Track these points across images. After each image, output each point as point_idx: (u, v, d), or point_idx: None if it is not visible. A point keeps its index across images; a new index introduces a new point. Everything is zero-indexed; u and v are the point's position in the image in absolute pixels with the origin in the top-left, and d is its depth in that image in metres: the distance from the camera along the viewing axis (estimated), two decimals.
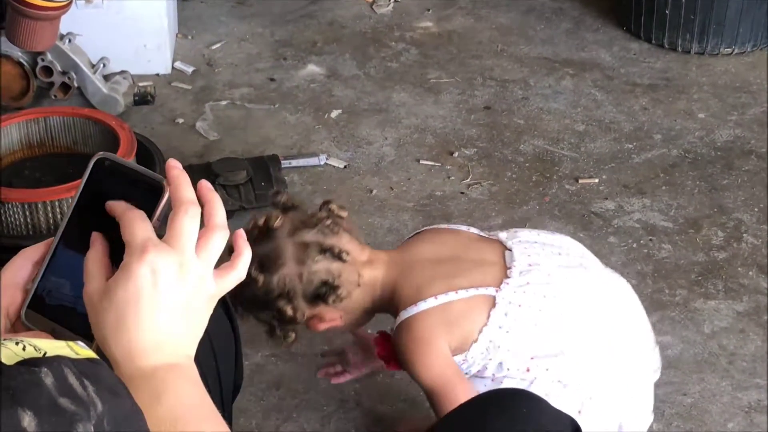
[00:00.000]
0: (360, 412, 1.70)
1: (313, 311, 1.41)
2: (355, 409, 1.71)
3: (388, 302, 1.44)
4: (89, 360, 0.61)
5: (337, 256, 1.38)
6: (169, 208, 0.78)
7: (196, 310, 0.75)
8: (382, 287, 1.43)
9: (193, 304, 0.75)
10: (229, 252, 0.79)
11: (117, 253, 0.75)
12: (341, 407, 1.69)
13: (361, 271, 1.41)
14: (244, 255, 0.78)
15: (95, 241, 0.76)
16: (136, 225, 0.73)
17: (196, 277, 0.74)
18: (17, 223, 1.83)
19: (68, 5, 1.91)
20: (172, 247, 0.72)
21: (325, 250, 1.39)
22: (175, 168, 0.76)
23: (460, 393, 1.32)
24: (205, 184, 0.77)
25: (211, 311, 0.77)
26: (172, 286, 0.72)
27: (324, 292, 1.38)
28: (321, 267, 1.39)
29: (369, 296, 1.42)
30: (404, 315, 1.39)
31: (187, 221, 0.73)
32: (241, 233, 0.81)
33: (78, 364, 0.59)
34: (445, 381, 1.37)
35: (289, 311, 1.40)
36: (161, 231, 0.77)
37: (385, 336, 1.48)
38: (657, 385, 1.69)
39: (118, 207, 0.75)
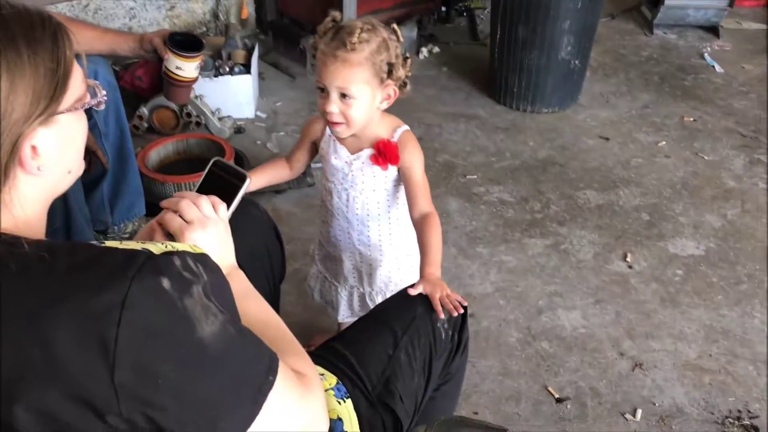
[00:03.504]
0: None
1: None
2: None
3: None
4: (201, 253, 0.74)
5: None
6: (245, 190, 0.98)
7: (227, 239, 0.95)
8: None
9: (223, 237, 0.94)
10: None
11: (221, 196, 0.95)
12: None
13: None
14: (218, 205, 0.95)
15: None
16: (188, 210, 0.91)
17: (218, 224, 0.93)
18: (169, 194, 1.79)
19: (196, 79, 2.07)
20: (208, 217, 0.92)
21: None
22: (166, 202, 0.93)
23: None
24: (165, 204, 0.94)
25: (230, 233, 0.95)
26: (213, 234, 0.91)
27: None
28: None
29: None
30: (404, 128, 1.47)
31: (203, 209, 0.92)
32: (212, 202, 0.94)
33: (194, 255, 0.71)
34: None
35: None
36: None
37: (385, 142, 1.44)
38: (503, 282, 2.03)
39: (170, 202, 0.94)
